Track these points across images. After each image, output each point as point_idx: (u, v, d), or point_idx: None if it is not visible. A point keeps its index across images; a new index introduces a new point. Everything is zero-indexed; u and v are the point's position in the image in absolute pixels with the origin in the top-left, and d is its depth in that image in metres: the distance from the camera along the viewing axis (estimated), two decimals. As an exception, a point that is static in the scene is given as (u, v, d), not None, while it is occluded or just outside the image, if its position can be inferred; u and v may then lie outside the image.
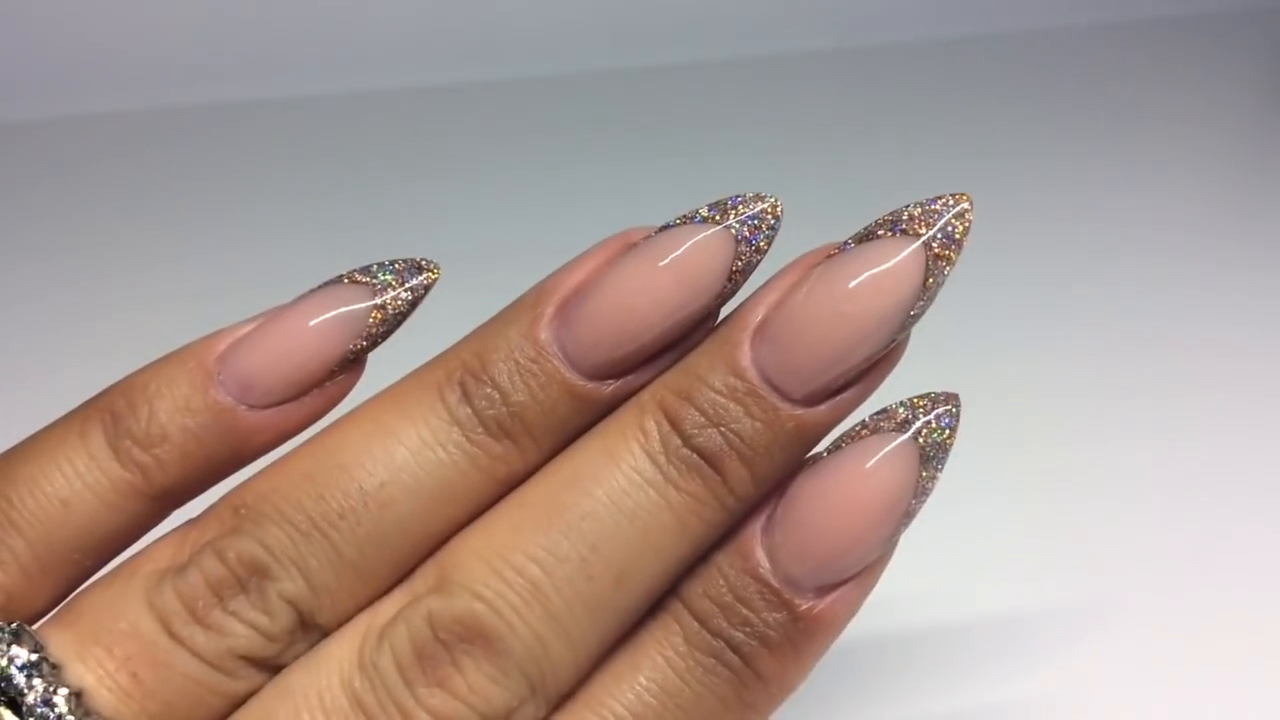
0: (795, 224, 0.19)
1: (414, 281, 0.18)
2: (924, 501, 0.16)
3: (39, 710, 0.15)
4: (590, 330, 0.16)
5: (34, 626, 0.16)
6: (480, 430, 0.16)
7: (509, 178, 0.52)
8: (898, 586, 0.21)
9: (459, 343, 0.17)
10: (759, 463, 0.16)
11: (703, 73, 0.62)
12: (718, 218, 0.16)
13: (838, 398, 0.16)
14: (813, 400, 0.16)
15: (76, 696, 0.15)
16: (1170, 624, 0.30)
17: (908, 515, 0.16)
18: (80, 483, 0.16)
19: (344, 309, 0.17)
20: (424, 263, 0.18)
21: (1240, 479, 0.35)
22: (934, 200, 0.16)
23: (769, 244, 0.16)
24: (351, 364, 0.18)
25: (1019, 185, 0.51)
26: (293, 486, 0.16)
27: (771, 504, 0.16)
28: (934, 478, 0.16)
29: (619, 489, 0.16)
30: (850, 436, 0.16)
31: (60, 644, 0.15)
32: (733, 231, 0.16)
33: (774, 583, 0.16)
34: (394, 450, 0.16)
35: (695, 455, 0.16)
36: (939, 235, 0.15)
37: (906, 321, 0.16)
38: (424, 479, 0.16)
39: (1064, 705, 0.28)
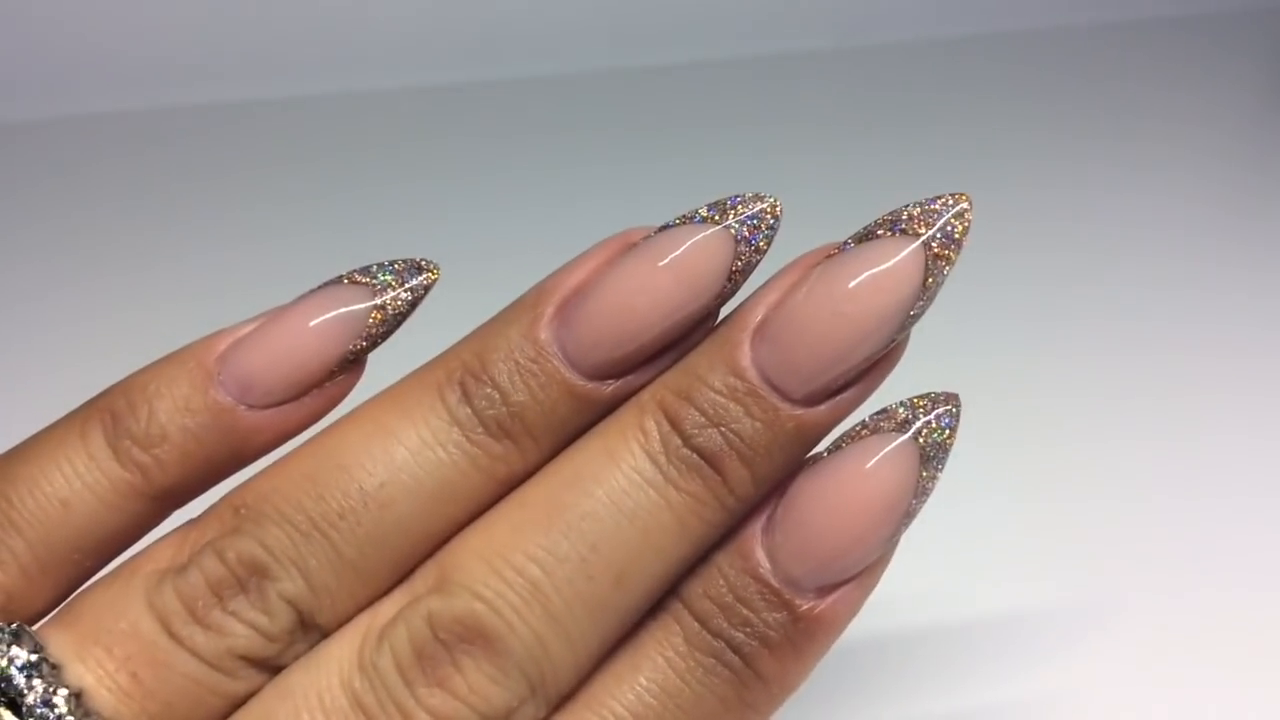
0: (795, 224, 0.19)
1: (414, 282, 0.18)
2: (924, 501, 0.16)
3: (39, 710, 0.15)
4: (590, 330, 0.16)
5: (34, 627, 0.16)
6: (480, 430, 0.16)
7: (509, 178, 0.52)
8: (898, 586, 0.21)
9: (459, 343, 0.17)
10: (759, 463, 0.16)
11: (703, 73, 0.62)
12: (717, 218, 0.16)
13: (838, 398, 0.16)
14: (813, 400, 0.16)
15: (76, 697, 0.15)
16: (1170, 624, 0.30)
17: (908, 515, 0.16)
18: (80, 483, 0.16)
19: (344, 309, 0.17)
20: (424, 263, 0.18)
21: (1240, 479, 0.35)
22: (933, 200, 0.16)
23: (768, 244, 0.16)
24: (351, 364, 0.18)
25: (1019, 185, 0.51)
26: (293, 487, 0.16)
27: (772, 504, 0.16)
28: (934, 478, 0.16)
29: (619, 489, 0.16)
30: (850, 436, 0.16)
31: (60, 644, 0.15)
32: (732, 231, 0.16)
33: (774, 583, 0.16)
34: (394, 450, 0.16)
35: (695, 455, 0.16)
36: (938, 235, 0.15)
37: (906, 321, 0.16)
38: (424, 479, 0.16)
39: (1064, 705, 0.28)
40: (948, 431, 0.16)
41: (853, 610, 0.16)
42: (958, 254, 0.16)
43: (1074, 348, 0.41)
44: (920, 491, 0.16)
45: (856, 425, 0.16)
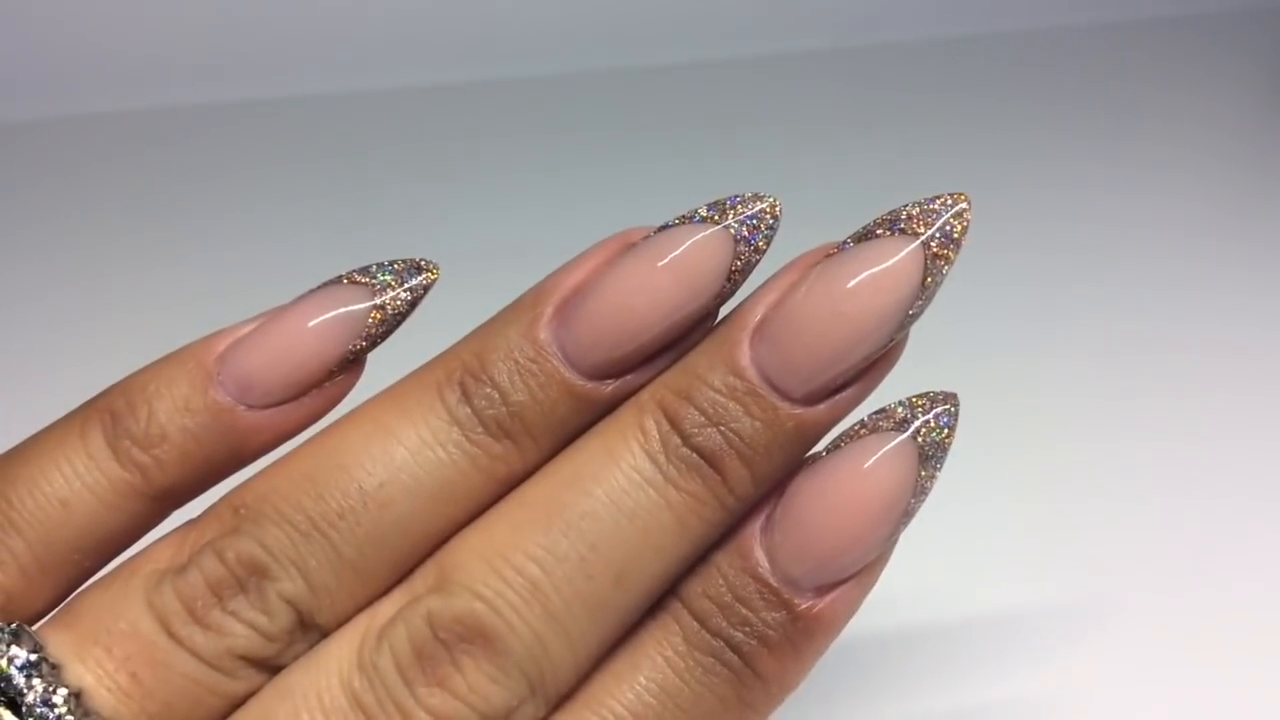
0: (794, 224, 0.19)
1: (413, 282, 0.18)
2: (923, 501, 0.16)
3: (38, 710, 0.15)
4: (589, 330, 0.16)
5: (34, 627, 0.16)
6: (480, 430, 0.16)
7: (509, 178, 0.52)
8: (897, 586, 0.21)
9: (458, 343, 0.17)
10: (758, 462, 0.16)
11: (703, 73, 0.62)
12: (716, 217, 0.16)
13: (837, 397, 0.16)
14: (812, 399, 0.16)
15: (76, 696, 0.15)
16: (1170, 624, 0.30)
17: (907, 514, 0.16)
18: (80, 483, 0.16)
19: (343, 309, 0.17)
20: (423, 263, 0.18)
21: (1240, 479, 0.35)
22: (932, 200, 0.16)
23: (768, 244, 0.16)
24: (351, 364, 0.18)
25: (1019, 185, 0.51)
26: (292, 487, 0.16)
27: (771, 503, 0.16)
28: (933, 477, 0.16)
29: (618, 488, 0.16)
30: (849, 436, 0.16)
31: (60, 644, 0.15)
32: (731, 231, 0.16)
33: (773, 582, 0.16)
34: (393, 450, 0.16)
35: (695, 455, 0.16)
36: (937, 235, 0.15)
37: (905, 321, 0.16)
38: (423, 479, 0.16)
39: (1064, 705, 0.28)
40: (946, 431, 0.16)
41: (851, 609, 0.16)
42: (957, 254, 0.16)
43: (1073, 347, 0.41)
44: (919, 490, 0.16)
45: (855, 424, 0.16)
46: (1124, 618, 0.30)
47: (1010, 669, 0.29)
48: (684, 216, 0.16)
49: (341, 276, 0.18)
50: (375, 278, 0.17)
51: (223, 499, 0.17)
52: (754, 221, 0.16)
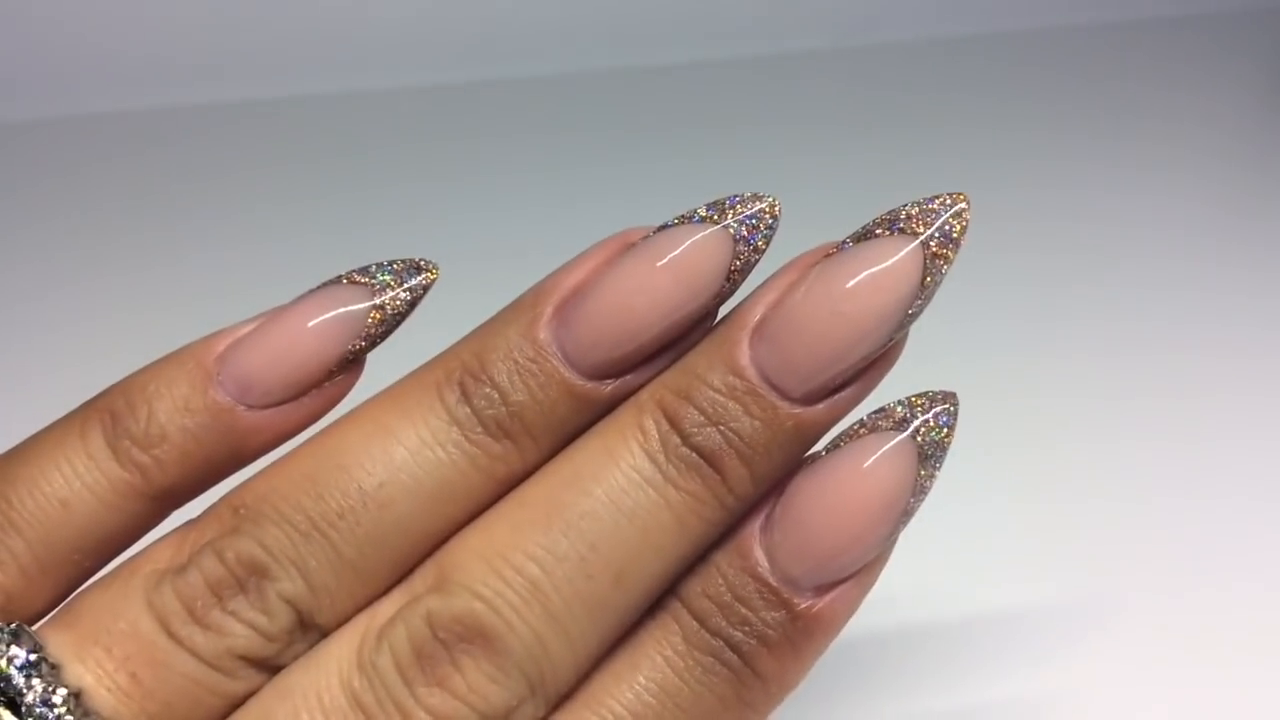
0: (794, 224, 0.19)
1: (412, 282, 0.18)
2: (922, 500, 0.16)
3: (38, 710, 0.15)
4: (589, 330, 0.16)
5: (33, 627, 0.16)
6: (479, 430, 0.16)
7: (508, 178, 0.52)
8: (896, 585, 0.21)
9: (458, 343, 0.17)
10: (758, 461, 0.16)
11: (703, 73, 0.62)
12: (716, 217, 0.16)
13: (836, 396, 0.16)
14: (811, 399, 0.16)
15: (75, 696, 0.15)
16: (1170, 624, 0.30)
17: (906, 514, 0.16)
18: (80, 483, 0.16)
19: (343, 309, 0.17)
20: (422, 263, 0.18)
21: (1240, 479, 0.35)
22: (931, 199, 0.16)
23: (767, 243, 0.16)
24: (350, 364, 0.18)
25: (1019, 185, 0.51)
26: (292, 487, 0.16)
27: (770, 503, 0.16)
28: (932, 476, 0.16)
29: (618, 488, 0.16)
30: (848, 435, 0.16)
31: (59, 644, 0.15)
32: (731, 231, 0.16)
33: (773, 582, 0.16)
34: (393, 450, 0.16)
35: (694, 454, 0.16)
36: (937, 234, 0.15)
37: (904, 320, 0.16)
38: (423, 479, 0.16)
39: (1064, 704, 0.28)
40: (945, 430, 0.16)
41: (851, 609, 0.16)
42: (956, 253, 0.16)
43: (1073, 347, 0.41)
44: (918, 490, 0.16)
45: (854, 424, 0.16)
46: (1124, 618, 0.30)
47: (1010, 669, 0.29)
48: (683, 216, 0.17)
49: (341, 276, 0.18)
50: (375, 278, 0.17)
51: (222, 499, 0.17)
52: (753, 221, 0.16)
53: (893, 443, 0.16)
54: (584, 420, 0.17)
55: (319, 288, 0.18)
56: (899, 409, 0.16)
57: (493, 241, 0.47)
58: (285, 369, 0.17)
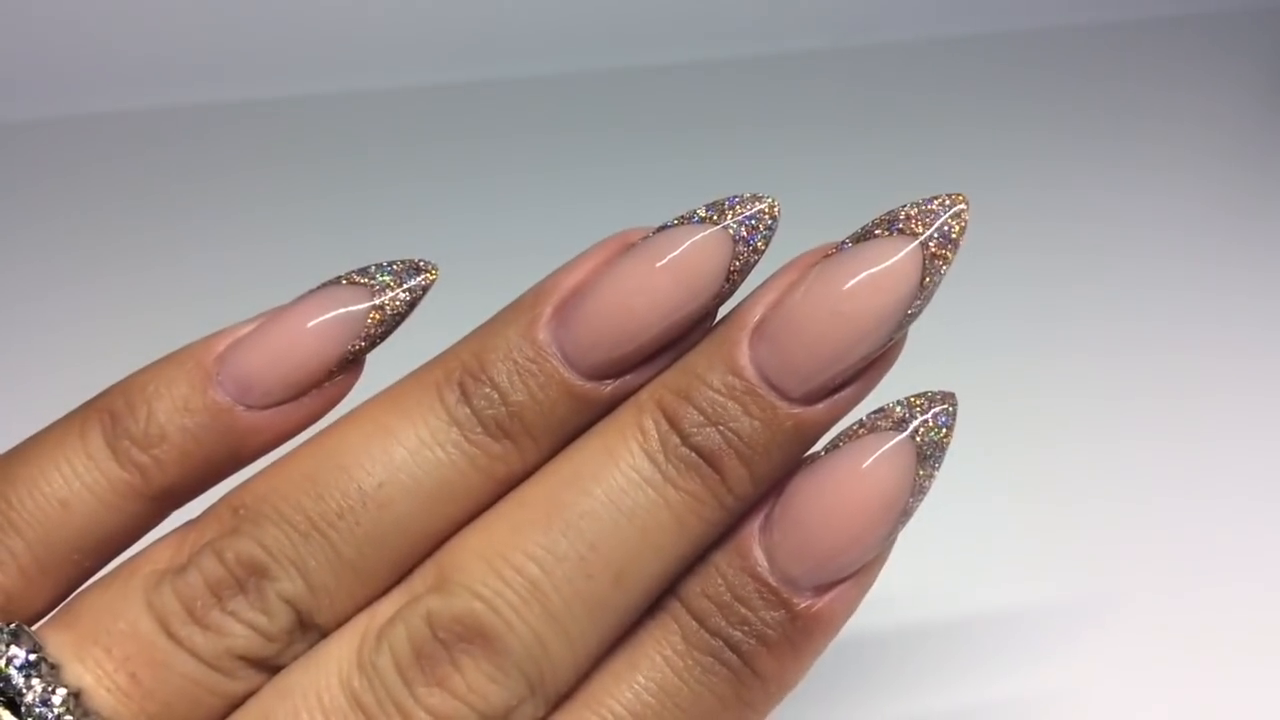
0: (793, 224, 0.19)
1: (412, 282, 0.18)
2: (921, 500, 0.16)
3: (37, 710, 0.15)
4: (589, 330, 0.16)
5: (33, 627, 0.16)
6: (479, 430, 0.16)
7: (508, 178, 0.52)
8: (895, 585, 0.21)
9: (458, 343, 0.17)
10: (757, 461, 0.16)
11: (703, 73, 0.62)
12: (715, 218, 0.16)
13: (835, 396, 0.16)
14: (811, 399, 0.16)
15: (75, 696, 0.15)
16: (1170, 624, 0.30)
17: (905, 514, 0.16)
18: (79, 483, 0.16)
19: (342, 310, 0.17)
20: (422, 263, 0.18)
21: (1240, 479, 0.35)
22: (930, 200, 0.16)
23: (766, 244, 0.16)
24: (350, 364, 0.18)
25: (1018, 185, 0.51)
26: (292, 487, 0.16)
27: (769, 503, 0.16)
28: (931, 476, 0.16)
29: (618, 488, 0.16)
30: (847, 435, 0.16)
31: (59, 644, 0.15)
32: (730, 231, 0.16)
33: (772, 581, 0.16)
34: (393, 450, 0.16)
35: (694, 454, 0.16)
36: (936, 235, 0.15)
37: (904, 320, 0.16)
38: (423, 479, 0.16)
39: (1063, 704, 0.28)
40: (944, 430, 0.16)
41: (850, 608, 0.16)
42: (955, 254, 0.16)
43: (1073, 347, 0.41)
44: (917, 490, 0.16)
45: (854, 424, 0.16)
46: (1124, 617, 0.30)
47: (1009, 669, 0.29)
48: (683, 217, 0.17)
49: (340, 277, 0.18)
50: (374, 278, 0.17)
51: (222, 499, 0.17)
52: (753, 222, 0.16)
53: (892, 443, 0.16)
54: (584, 420, 0.17)
55: (318, 288, 0.18)
56: (898, 409, 0.16)
57: (492, 242, 0.47)
58: (285, 369, 0.17)
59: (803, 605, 0.16)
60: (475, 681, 0.15)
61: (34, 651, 0.15)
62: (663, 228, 0.17)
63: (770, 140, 0.56)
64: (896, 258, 0.15)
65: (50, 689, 0.15)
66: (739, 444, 0.16)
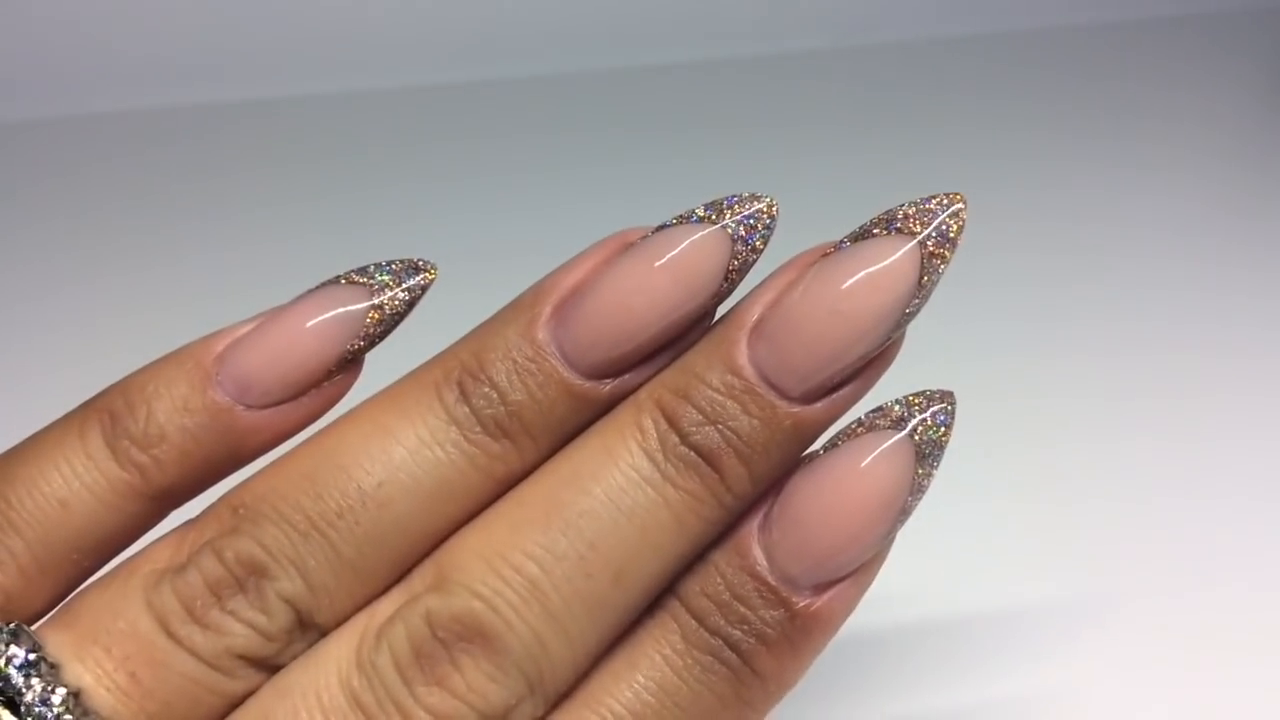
0: (792, 224, 0.19)
1: (411, 282, 0.18)
2: (920, 499, 0.16)
3: (37, 709, 0.15)
4: (588, 330, 0.16)
5: (33, 627, 0.16)
6: (478, 429, 0.16)
7: (508, 178, 0.52)
8: (894, 584, 0.21)
9: (457, 343, 0.17)
10: (756, 460, 0.16)
11: (702, 73, 0.62)
12: (714, 217, 0.16)
13: (834, 395, 0.16)
14: (809, 398, 0.16)
15: (74, 696, 0.15)
16: (1170, 623, 0.30)
17: (904, 512, 0.16)
18: (79, 483, 0.16)
19: (341, 309, 0.17)
20: (421, 263, 0.18)
21: (1240, 479, 0.35)
22: (929, 199, 0.16)
23: (765, 243, 0.16)
24: (349, 364, 0.18)
25: (1018, 185, 0.51)
26: (291, 486, 0.16)
27: (768, 502, 0.16)
28: (930, 475, 0.16)
29: (617, 487, 0.16)
30: (846, 434, 0.16)
31: (58, 644, 0.15)
32: (729, 231, 0.16)
33: (771, 580, 0.16)
34: (392, 450, 0.16)
35: (693, 453, 0.16)
36: (934, 234, 0.15)
37: (902, 319, 0.16)
38: (422, 478, 0.16)
39: (1063, 704, 0.28)
40: (943, 429, 0.16)
41: (849, 607, 0.16)
42: (953, 253, 0.16)
43: (1072, 347, 0.41)
44: (916, 489, 0.16)
45: (852, 423, 0.16)
46: (1123, 617, 0.30)
47: (1009, 668, 0.29)
48: (681, 216, 0.17)
49: (340, 276, 0.18)
50: (373, 278, 0.17)
51: (221, 499, 0.17)
52: (751, 221, 0.16)
53: (890, 441, 0.16)
54: (583, 420, 0.17)
55: (318, 288, 0.18)
56: (896, 408, 0.16)
57: (491, 241, 0.47)
58: (284, 369, 0.17)
59: (802, 604, 0.16)
60: (475, 681, 0.15)
61: (33, 651, 0.15)
62: (661, 227, 0.17)
63: (770, 140, 0.56)
64: (894, 257, 0.15)
65: (50, 688, 0.15)
66: (738, 443, 0.16)
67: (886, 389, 0.17)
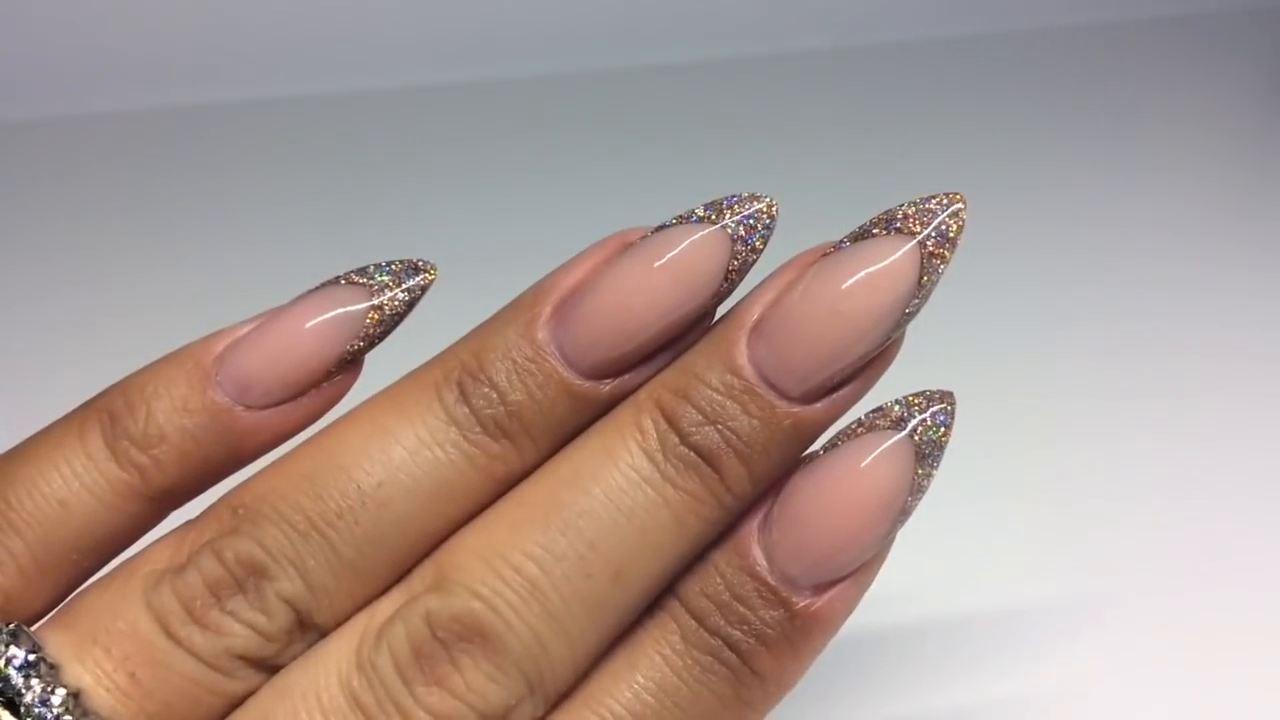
0: (792, 224, 0.19)
1: (411, 282, 0.18)
2: (920, 499, 0.16)
3: (36, 710, 0.15)
4: (587, 330, 0.16)
5: (32, 627, 0.16)
6: (478, 430, 0.16)
7: (508, 178, 0.52)
8: (894, 584, 0.21)
9: (456, 343, 0.17)
10: (756, 460, 0.16)
11: (702, 73, 0.62)
12: (714, 217, 0.16)
13: (834, 395, 0.16)
14: (809, 398, 0.16)
15: (74, 696, 0.15)
16: (1170, 623, 0.30)
17: (904, 513, 0.16)
18: (78, 484, 0.16)
19: (341, 310, 0.17)
20: (421, 263, 0.18)
21: (1240, 479, 0.35)
22: (928, 199, 0.16)
23: (765, 243, 0.16)
24: (349, 364, 0.18)
25: (1018, 185, 0.51)
26: (291, 487, 0.16)
27: (768, 502, 0.16)
28: (929, 475, 0.16)
29: (617, 487, 0.16)
30: (846, 434, 0.16)
31: (58, 644, 0.15)
32: (729, 231, 0.16)
33: (771, 581, 0.16)
34: (392, 450, 0.16)
35: (693, 453, 0.16)
36: (934, 234, 0.15)
37: (902, 319, 0.16)
38: (422, 479, 0.16)
39: (1063, 704, 0.28)
40: (943, 429, 0.16)
41: (849, 607, 0.16)
42: (953, 253, 0.16)
43: (1072, 347, 0.41)
44: (916, 489, 0.16)
45: (852, 423, 0.16)
46: (1123, 617, 0.30)
47: (1008, 668, 0.29)
48: (681, 216, 0.17)
49: (339, 277, 0.18)
50: (373, 278, 0.17)
51: (221, 499, 0.17)
52: (751, 221, 0.16)
53: (890, 442, 0.16)
54: (582, 420, 0.17)
55: (317, 288, 0.18)
56: (896, 408, 0.16)
57: (491, 242, 0.47)
58: (284, 369, 0.17)
59: (801, 604, 0.16)
60: (474, 681, 0.15)
61: (33, 652, 0.15)
62: (661, 227, 0.17)
63: (770, 140, 0.56)
64: (894, 257, 0.15)
65: (49, 689, 0.15)
66: (738, 443, 0.16)
67: (886, 389, 0.17)
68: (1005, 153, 0.54)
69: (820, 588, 0.16)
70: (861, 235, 0.16)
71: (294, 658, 0.16)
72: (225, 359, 0.17)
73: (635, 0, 0.64)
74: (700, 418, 0.16)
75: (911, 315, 0.16)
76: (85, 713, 0.15)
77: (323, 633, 0.16)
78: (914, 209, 0.16)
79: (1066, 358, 0.40)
